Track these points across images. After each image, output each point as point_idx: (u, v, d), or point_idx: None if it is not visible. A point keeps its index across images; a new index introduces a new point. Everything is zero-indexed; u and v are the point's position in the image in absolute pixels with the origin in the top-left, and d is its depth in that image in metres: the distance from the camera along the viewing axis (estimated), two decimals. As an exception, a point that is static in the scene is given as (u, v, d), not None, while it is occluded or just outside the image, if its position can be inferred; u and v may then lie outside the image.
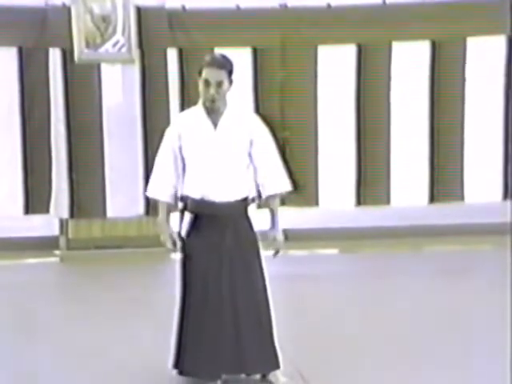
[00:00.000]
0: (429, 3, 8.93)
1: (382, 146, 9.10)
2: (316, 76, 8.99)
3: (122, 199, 8.76)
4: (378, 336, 5.84)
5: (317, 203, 9.10)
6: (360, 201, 9.15)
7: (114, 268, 8.18)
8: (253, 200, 4.79)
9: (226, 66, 4.60)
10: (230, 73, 4.62)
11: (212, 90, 4.55)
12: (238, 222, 4.70)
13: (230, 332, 4.69)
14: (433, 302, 6.80)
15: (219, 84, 4.55)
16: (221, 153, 4.64)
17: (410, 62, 9.04)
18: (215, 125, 4.66)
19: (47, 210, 8.78)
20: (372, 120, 9.06)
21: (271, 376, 4.84)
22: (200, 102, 4.71)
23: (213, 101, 4.58)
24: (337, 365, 5.23)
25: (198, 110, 4.70)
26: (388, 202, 9.15)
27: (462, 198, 9.21)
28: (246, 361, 4.73)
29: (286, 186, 4.84)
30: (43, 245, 8.82)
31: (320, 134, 9.06)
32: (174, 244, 4.68)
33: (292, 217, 9.04)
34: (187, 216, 4.75)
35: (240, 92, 8.76)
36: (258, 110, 8.91)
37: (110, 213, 8.81)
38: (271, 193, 4.76)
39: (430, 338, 5.79)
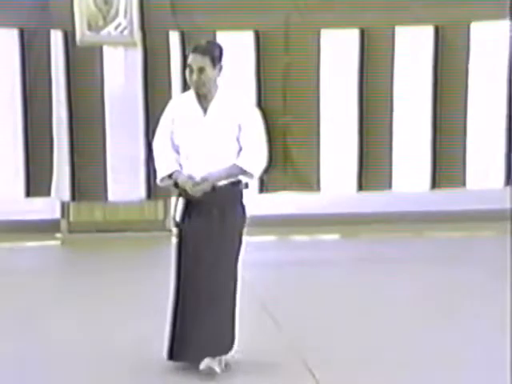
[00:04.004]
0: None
1: (384, 132, 9.08)
2: (319, 60, 8.95)
3: (124, 183, 8.75)
4: (378, 320, 5.85)
5: (318, 188, 9.08)
6: (362, 186, 9.13)
7: (115, 251, 8.19)
8: (246, 185, 4.76)
9: (209, 52, 4.61)
10: (216, 59, 4.62)
11: (194, 76, 4.59)
12: (228, 206, 4.69)
13: (205, 316, 4.70)
14: (433, 288, 6.81)
15: (201, 70, 4.57)
16: (209, 138, 4.65)
17: (413, 46, 8.99)
18: (205, 110, 4.68)
19: (49, 193, 8.77)
20: (374, 105, 9.03)
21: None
22: None
23: (196, 87, 4.62)
24: (338, 349, 5.24)
25: (190, 95, 4.74)
26: (390, 187, 9.14)
27: (463, 184, 9.19)
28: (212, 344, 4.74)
29: (254, 169, 4.69)
30: (44, 228, 8.82)
31: (322, 118, 9.03)
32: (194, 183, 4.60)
33: (293, 202, 9.07)
34: (181, 202, 4.75)
35: (242, 75, 8.84)
36: (260, 94, 8.89)
37: (111, 196, 8.80)
38: (237, 163, 4.66)
39: (430, 323, 5.80)
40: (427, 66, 9.06)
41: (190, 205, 4.70)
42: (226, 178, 4.65)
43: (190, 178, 4.61)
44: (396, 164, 9.12)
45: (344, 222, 8.95)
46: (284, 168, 8.99)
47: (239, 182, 4.72)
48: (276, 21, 8.78)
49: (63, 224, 8.90)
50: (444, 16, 8.90)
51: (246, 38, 8.83)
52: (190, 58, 4.62)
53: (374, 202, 9.11)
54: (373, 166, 9.08)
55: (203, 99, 4.67)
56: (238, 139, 4.67)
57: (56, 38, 8.61)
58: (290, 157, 8.97)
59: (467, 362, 5.07)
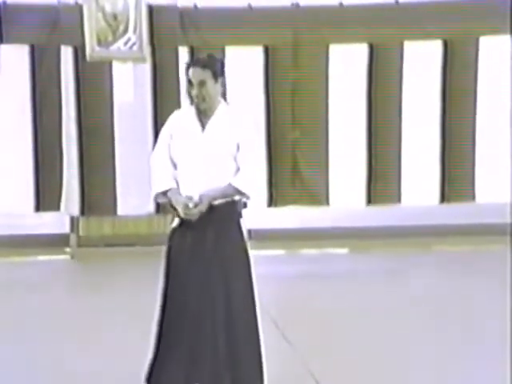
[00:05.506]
0: (441, 3, 8.90)
1: (393, 146, 9.08)
2: (327, 75, 8.97)
3: (133, 197, 8.77)
4: (389, 335, 5.84)
5: (327, 202, 9.09)
6: (370, 200, 9.13)
7: (124, 265, 8.20)
8: (244, 205, 4.55)
9: (210, 66, 4.43)
10: (217, 73, 4.44)
11: (195, 91, 4.42)
12: (224, 226, 4.47)
13: (207, 346, 4.38)
14: (443, 302, 6.79)
15: (201, 84, 4.39)
16: (206, 155, 4.45)
17: (421, 61, 9.01)
18: (203, 126, 4.49)
19: (58, 208, 8.80)
20: (383, 119, 9.04)
21: None
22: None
23: (196, 102, 4.44)
24: (348, 365, 5.22)
25: (189, 110, 4.57)
26: (399, 201, 9.14)
27: (473, 197, 9.18)
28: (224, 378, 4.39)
29: (250, 190, 4.47)
30: (54, 242, 8.85)
31: (331, 133, 9.04)
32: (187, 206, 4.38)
33: (302, 216, 9.08)
34: (176, 220, 4.52)
35: (251, 90, 8.87)
36: (269, 109, 8.92)
37: (120, 211, 8.82)
38: (232, 183, 4.44)
39: (442, 335, 5.79)
40: (436, 81, 9.06)
41: (185, 222, 4.45)
42: (221, 197, 4.44)
43: (189, 198, 4.37)
44: (405, 178, 9.12)
45: (353, 235, 8.95)
46: (293, 182, 9.01)
47: (234, 201, 4.49)
48: (285, 36, 8.82)
49: (72, 238, 8.92)
50: (453, 30, 8.92)
51: (255, 53, 8.87)
52: (190, 72, 4.43)
53: (383, 215, 9.10)
54: (382, 179, 9.08)
55: (203, 115, 4.49)
56: (235, 158, 4.47)
57: (66, 53, 8.67)
58: (299, 171, 8.98)
59: (474, 371, 5.07)
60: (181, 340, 4.39)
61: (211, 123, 4.48)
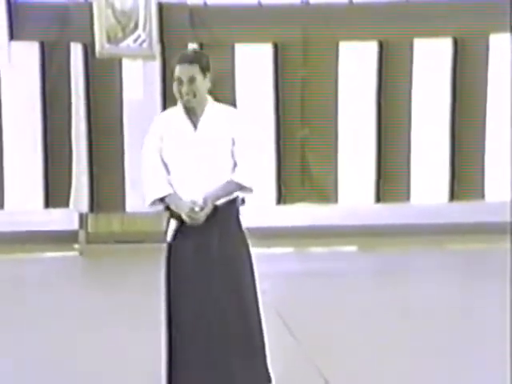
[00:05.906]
0: (451, 0, 8.88)
1: (403, 143, 9.07)
2: (337, 72, 8.97)
3: (142, 194, 8.76)
4: (397, 334, 5.83)
5: (336, 200, 9.08)
6: (380, 198, 9.12)
7: (132, 262, 8.21)
8: (242, 201, 4.44)
9: (197, 61, 4.30)
10: (205, 68, 4.31)
11: (184, 88, 4.27)
12: (226, 226, 4.35)
13: (218, 352, 4.31)
14: (452, 300, 6.78)
15: (191, 80, 4.25)
16: (202, 155, 4.31)
17: (432, 59, 8.99)
18: (195, 125, 4.35)
19: (67, 204, 8.82)
20: (393, 117, 9.03)
21: None
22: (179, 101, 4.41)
23: (187, 100, 4.29)
24: (356, 363, 5.22)
25: (177, 110, 4.41)
26: (408, 199, 9.12)
27: (482, 195, 9.16)
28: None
29: (253, 183, 4.35)
30: (63, 239, 8.87)
31: (340, 130, 9.04)
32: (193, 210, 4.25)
33: (311, 214, 9.07)
34: (173, 223, 4.37)
35: (260, 88, 8.87)
36: (278, 106, 8.92)
37: (129, 208, 8.84)
38: (234, 179, 4.32)
39: (450, 336, 5.78)
40: (446, 78, 9.05)
41: (184, 226, 4.32)
42: (224, 195, 4.31)
43: (193, 203, 4.22)
44: (414, 176, 9.10)
45: (362, 233, 8.94)
46: (302, 180, 9.01)
47: (234, 198, 4.38)
48: (294, 33, 8.81)
49: (81, 235, 8.95)
50: (463, 28, 8.90)
51: (265, 50, 8.87)
52: (178, 70, 4.28)
53: (392, 213, 9.09)
54: (391, 177, 9.08)
55: (192, 114, 4.35)
56: (232, 154, 4.34)
57: (76, 50, 8.69)
58: (308, 169, 8.98)
59: (482, 373, 5.06)
60: (191, 342, 4.31)
61: (203, 121, 4.34)
